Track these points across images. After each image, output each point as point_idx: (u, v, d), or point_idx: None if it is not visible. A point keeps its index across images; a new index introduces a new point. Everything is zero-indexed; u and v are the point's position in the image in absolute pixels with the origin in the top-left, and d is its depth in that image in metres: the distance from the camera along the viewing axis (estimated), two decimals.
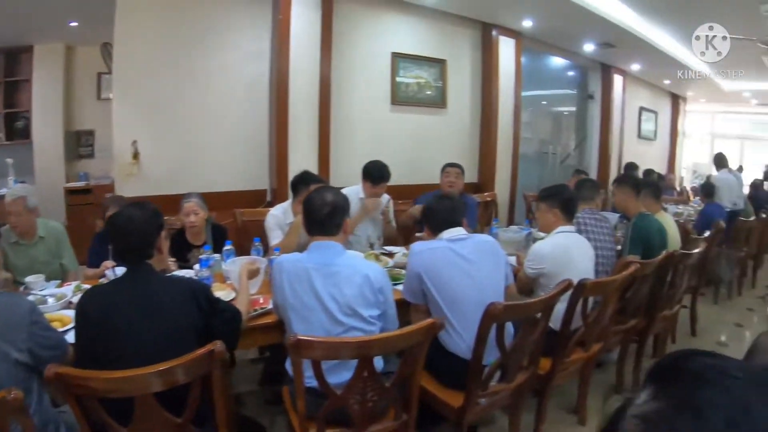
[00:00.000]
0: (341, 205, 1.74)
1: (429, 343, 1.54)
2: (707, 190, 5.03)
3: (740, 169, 7.64)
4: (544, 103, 7.05)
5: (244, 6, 3.77)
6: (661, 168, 8.35)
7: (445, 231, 1.99)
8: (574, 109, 7.24)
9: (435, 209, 2.05)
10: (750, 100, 9.47)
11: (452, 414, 1.81)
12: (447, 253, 1.91)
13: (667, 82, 8.21)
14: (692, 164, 10.84)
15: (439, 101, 4.82)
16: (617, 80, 7.08)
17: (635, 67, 7.07)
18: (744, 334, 3.70)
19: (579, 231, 2.52)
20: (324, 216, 1.70)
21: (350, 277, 1.64)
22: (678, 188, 8.87)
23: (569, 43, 6.05)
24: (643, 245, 2.77)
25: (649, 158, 8.18)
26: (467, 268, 1.90)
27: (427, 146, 4.70)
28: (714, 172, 6.20)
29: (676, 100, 9.23)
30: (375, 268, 1.73)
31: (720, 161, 6.04)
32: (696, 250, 2.81)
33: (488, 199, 4.64)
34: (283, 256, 1.80)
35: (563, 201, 2.35)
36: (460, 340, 1.85)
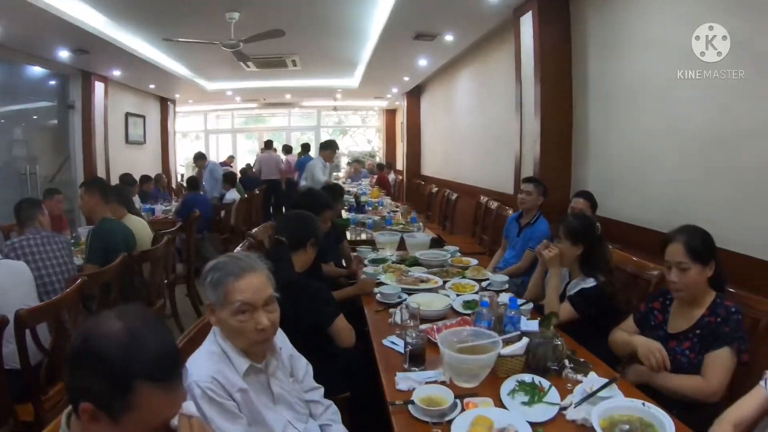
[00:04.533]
0: None
1: None
2: (191, 182, 5.82)
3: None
4: (36, 117, 6.23)
5: None
6: (153, 169, 8.63)
7: None
8: (56, 121, 6.55)
9: None
10: (234, 98, 10.73)
11: None
12: None
13: (152, 86, 8.54)
14: (190, 160, 11.90)
15: None
16: (98, 87, 6.81)
17: (117, 72, 6.95)
18: None
19: (16, 257, 2.44)
20: None
21: None
22: (175, 185, 9.56)
23: (42, 50, 5.40)
24: (105, 250, 2.83)
25: (141, 162, 8.37)
26: None
27: None
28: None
29: (164, 102, 9.77)
30: None
31: (200, 157, 7.18)
32: (157, 246, 3.18)
33: None
34: None
35: None
36: None
